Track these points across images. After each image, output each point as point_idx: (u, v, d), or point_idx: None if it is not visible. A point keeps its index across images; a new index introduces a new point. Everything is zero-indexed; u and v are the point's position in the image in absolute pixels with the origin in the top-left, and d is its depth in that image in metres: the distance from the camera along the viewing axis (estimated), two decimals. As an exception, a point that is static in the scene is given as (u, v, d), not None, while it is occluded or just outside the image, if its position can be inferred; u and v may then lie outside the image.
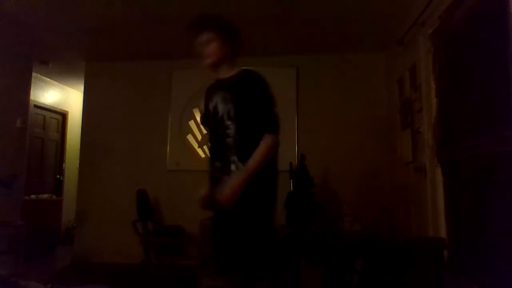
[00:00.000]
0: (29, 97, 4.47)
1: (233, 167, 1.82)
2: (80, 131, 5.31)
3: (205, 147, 4.93)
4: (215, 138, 1.92)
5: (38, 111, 6.00)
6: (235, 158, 1.81)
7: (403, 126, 4.04)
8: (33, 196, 5.35)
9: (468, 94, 2.59)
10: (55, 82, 6.27)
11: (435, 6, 3.01)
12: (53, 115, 6.39)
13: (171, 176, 4.91)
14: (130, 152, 5.03)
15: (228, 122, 1.84)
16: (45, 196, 5.70)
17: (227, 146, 1.84)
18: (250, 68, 2.02)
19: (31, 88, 4.48)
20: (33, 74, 4.59)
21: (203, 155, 4.92)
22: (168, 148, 4.99)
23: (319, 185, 4.13)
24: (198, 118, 5.00)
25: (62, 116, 6.60)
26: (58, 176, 6.46)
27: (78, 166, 5.27)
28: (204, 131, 4.97)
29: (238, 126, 1.83)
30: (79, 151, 5.25)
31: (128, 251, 4.58)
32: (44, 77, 5.95)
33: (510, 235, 2.00)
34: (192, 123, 5.02)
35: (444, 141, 2.99)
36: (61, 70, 5.72)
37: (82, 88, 5.49)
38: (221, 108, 1.88)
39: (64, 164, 6.55)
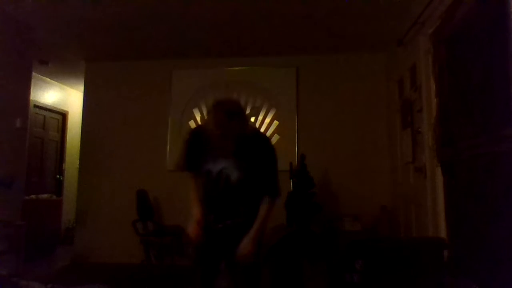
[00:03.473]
0: (29, 97, 4.47)
1: (240, 220, 1.97)
2: (80, 131, 5.31)
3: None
4: (218, 199, 1.99)
5: (38, 111, 6.00)
6: (242, 209, 1.97)
7: (403, 126, 4.04)
8: (33, 196, 5.35)
9: (468, 94, 2.59)
10: (55, 82, 6.27)
11: (435, 6, 3.01)
12: (53, 115, 6.39)
13: (171, 176, 4.89)
14: (130, 152, 5.03)
15: (242, 190, 1.95)
16: (45, 196, 5.70)
17: (234, 205, 1.97)
18: (258, 130, 2.18)
19: (31, 88, 4.47)
20: (33, 74, 4.58)
21: (203, 155, 4.92)
22: (168, 148, 4.99)
23: (319, 185, 4.13)
24: (198, 118, 5.01)
25: (62, 116, 6.60)
26: (58, 176, 6.45)
27: (78, 166, 5.27)
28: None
29: (250, 192, 1.95)
30: (79, 151, 5.25)
31: (128, 251, 4.58)
32: (44, 77, 5.95)
33: (510, 235, 2.00)
34: (192, 123, 5.01)
35: (444, 141, 2.99)
36: (61, 70, 5.72)
37: (82, 88, 5.49)
38: (235, 177, 1.93)
39: (64, 164, 6.54)
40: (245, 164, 1.92)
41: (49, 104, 6.22)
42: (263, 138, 2.10)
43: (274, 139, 4.74)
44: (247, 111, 4.75)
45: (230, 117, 1.80)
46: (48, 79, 6.09)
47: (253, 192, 1.95)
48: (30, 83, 4.41)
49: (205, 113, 4.99)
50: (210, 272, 2.05)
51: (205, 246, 2.02)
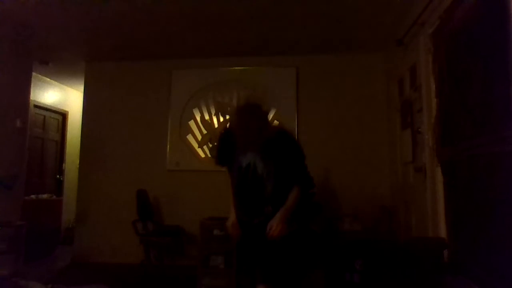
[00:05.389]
0: (29, 97, 4.47)
1: (268, 210, 2.15)
2: (80, 131, 5.31)
3: (205, 147, 4.93)
4: (248, 191, 2.19)
5: (38, 111, 6.00)
6: (270, 208, 2.14)
7: (403, 126, 4.04)
8: (33, 196, 5.35)
9: (468, 94, 2.59)
10: (55, 82, 6.27)
11: (435, 6, 3.01)
12: (53, 115, 6.39)
13: (171, 176, 4.91)
14: (130, 152, 5.03)
15: (268, 181, 2.12)
16: (45, 196, 5.70)
17: (264, 200, 2.14)
18: (283, 128, 2.45)
19: (31, 88, 4.48)
20: (33, 74, 4.59)
21: (203, 155, 4.93)
22: (168, 148, 4.99)
23: (319, 185, 4.13)
24: (198, 118, 5.01)
25: (62, 116, 6.60)
26: (58, 176, 6.46)
27: (78, 166, 5.27)
28: (204, 131, 4.98)
29: (276, 183, 2.13)
30: (79, 151, 5.25)
31: (128, 251, 4.58)
32: (44, 77, 5.95)
33: (510, 235, 2.00)
34: (192, 123, 5.02)
35: (444, 141, 2.99)
36: (61, 70, 5.72)
37: (82, 88, 5.49)
38: (260, 168, 2.13)
39: (64, 164, 6.54)
40: (269, 156, 2.12)
41: (49, 104, 6.22)
42: (286, 133, 2.27)
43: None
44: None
45: (251, 118, 2.08)
46: (48, 79, 6.09)
47: (279, 182, 2.12)
48: (30, 83, 4.41)
49: (205, 113, 5.01)
50: (252, 261, 2.23)
51: (244, 240, 2.25)
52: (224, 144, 2.31)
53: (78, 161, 5.29)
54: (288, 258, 2.15)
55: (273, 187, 2.12)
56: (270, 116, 4.76)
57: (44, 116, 6.19)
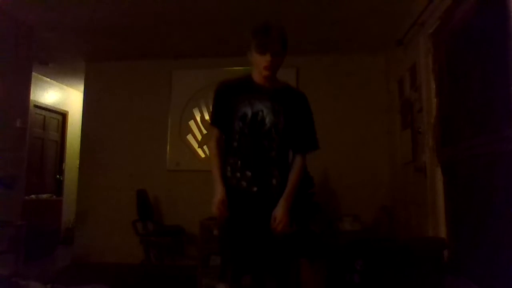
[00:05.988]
0: (29, 97, 4.47)
1: (274, 181, 1.83)
2: (80, 131, 5.31)
3: (205, 147, 4.93)
4: (253, 147, 1.82)
5: (38, 111, 6.00)
6: (276, 172, 1.83)
7: (403, 126, 4.04)
8: (33, 196, 5.35)
9: (468, 94, 2.59)
10: (55, 82, 6.28)
11: (435, 6, 3.01)
12: (53, 115, 6.39)
13: (171, 176, 4.91)
14: (130, 152, 5.03)
15: (275, 135, 1.82)
16: (45, 196, 5.70)
17: (270, 159, 1.82)
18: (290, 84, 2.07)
19: (31, 88, 4.47)
20: (33, 74, 4.58)
21: (203, 155, 4.92)
22: (168, 148, 4.99)
23: (319, 185, 4.13)
24: (198, 118, 5.01)
25: (62, 116, 6.60)
26: (58, 176, 6.46)
27: (78, 166, 5.27)
28: (204, 131, 4.97)
29: (283, 141, 1.84)
30: (79, 151, 5.25)
31: (128, 251, 4.58)
32: (44, 77, 5.95)
33: (510, 235, 2.00)
34: (192, 123, 5.02)
35: (444, 141, 2.99)
36: (61, 70, 5.72)
37: (82, 88, 5.49)
38: (269, 119, 1.82)
39: (64, 164, 6.55)
40: (283, 108, 1.83)
41: (49, 104, 6.22)
42: (303, 95, 2.01)
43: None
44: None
45: (284, 46, 1.84)
46: (48, 79, 6.09)
47: (286, 141, 1.85)
48: (30, 83, 4.41)
49: (205, 113, 4.99)
50: (244, 249, 1.82)
51: (236, 220, 1.79)
52: (223, 98, 1.90)
53: (78, 161, 5.29)
54: (286, 258, 1.90)
55: (279, 146, 1.83)
56: None
57: (44, 116, 6.20)
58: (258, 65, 1.84)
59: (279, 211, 1.78)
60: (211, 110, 2.00)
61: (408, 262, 2.65)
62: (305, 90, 5.32)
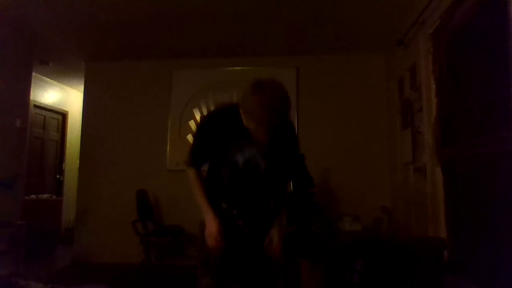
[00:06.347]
0: (29, 97, 4.47)
1: (269, 213, 1.83)
2: (80, 131, 5.31)
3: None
4: (246, 192, 1.77)
5: (38, 111, 6.00)
6: (270, 206, 1.84)
7: (403, 126, 4.04)
8: (33, 196, 5.35)
9: (468, 94, 2.59)
10: (55, 82, 6.27)
11: (435, 6, 3.01)
12: (53, 115, 6.39)
13: (171, 176, 4.90)
14: (130, 152, 5.03)
15: (270, 177, 1.77)
16: (45, 196, 5.70)
17: (265, 197, 1.83)
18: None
19: (31, 88, 4.47)
20: (33, 74, 4.58)
21: (203, 155, 4.91)
22: (168, 148, 4.99)
23: (319, 185, 4.13)
24: (198, 118, 5.00)
25: (62, 116, 6.60)
26: (58, 176, 6.46)
27: (78, 166, 5.27)
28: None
29: (278, 179, 1.82)
30: (79, 151, 5.25)
31: (128, 251, 4.58)
32: (44, 77, 5.95)
33: (510, 235, 2.00)
34: (192, 123, 5.01)
35: (444, 141, 2.99)
36: (61, 70, 5.72)
37: (82, 88, 5.49)
38: (263, 166, 1.73)
39: (64, 164, 6.55)
40: (273, 152, 1.71)
41: (49, 104, 6.22)
42: (291, 124, 1.81)
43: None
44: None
45: (284, 101, 1.55)
46: (48, 79, 6.09)
47: (281, 182, 1.84)
48: (30, 83, 4.41)
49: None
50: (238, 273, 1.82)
51: (230, 255, 1.74)
52: (209, 138, 1.72)
53: (78, 161, 5.29)
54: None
55: (274, 186, 1.83)
56: None
57: (44, 116, 6.20)
58: (252, 130, 1.59)
59: (275, 237, 1.75)
60: (192, 144, 1.80)
61: (408, 262, 2.65)
62: (305, 90, 5.36)
